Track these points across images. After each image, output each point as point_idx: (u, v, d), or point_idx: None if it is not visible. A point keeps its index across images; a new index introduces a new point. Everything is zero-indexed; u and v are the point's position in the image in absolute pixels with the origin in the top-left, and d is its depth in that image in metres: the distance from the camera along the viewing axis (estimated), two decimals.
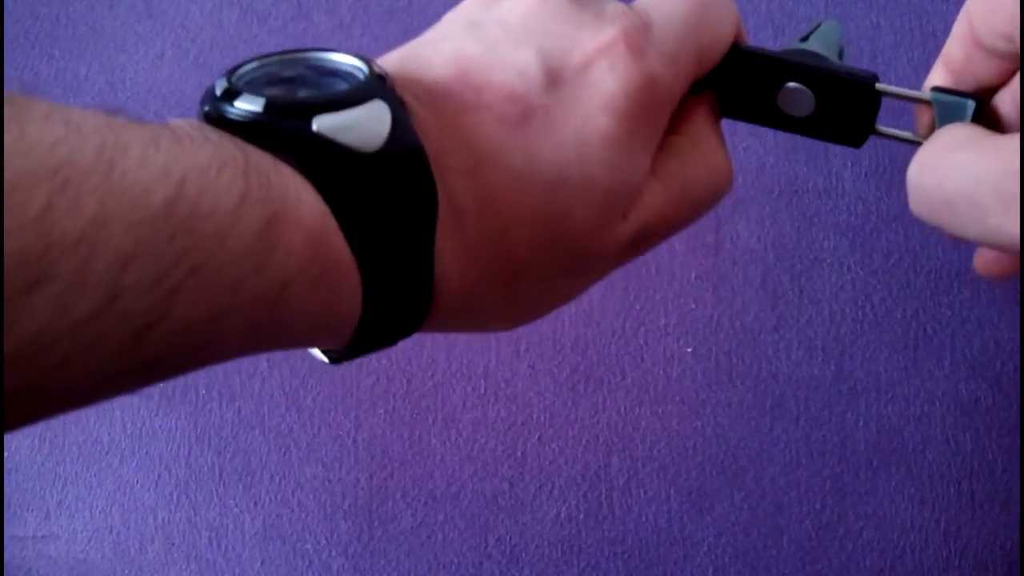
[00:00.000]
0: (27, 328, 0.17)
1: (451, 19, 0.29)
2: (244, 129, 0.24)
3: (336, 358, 0.28)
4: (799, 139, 0.45)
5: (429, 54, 0.28)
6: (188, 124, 0.24)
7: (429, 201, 0.24)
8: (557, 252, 0.26)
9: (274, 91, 0.25)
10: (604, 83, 0.27)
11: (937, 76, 0.31)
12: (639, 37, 0.28)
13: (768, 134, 0.61)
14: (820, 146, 0.60)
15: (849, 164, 0.61)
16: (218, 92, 0.25)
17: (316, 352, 0.28)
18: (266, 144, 0.24)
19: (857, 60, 0.63)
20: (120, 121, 0.21)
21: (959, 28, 0.30)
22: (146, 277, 0.19)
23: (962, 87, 0.29)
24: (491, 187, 0.26)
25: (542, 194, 0.26)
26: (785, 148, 0.61)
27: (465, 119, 0.26)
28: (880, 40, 0.63)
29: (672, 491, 0.56)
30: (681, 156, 0.29)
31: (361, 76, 0.25)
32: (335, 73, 0.26)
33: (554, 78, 0.27)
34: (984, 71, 0.30)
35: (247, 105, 0.24)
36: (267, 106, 0.24)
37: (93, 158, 0.19)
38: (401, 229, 0.24)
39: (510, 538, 0.57)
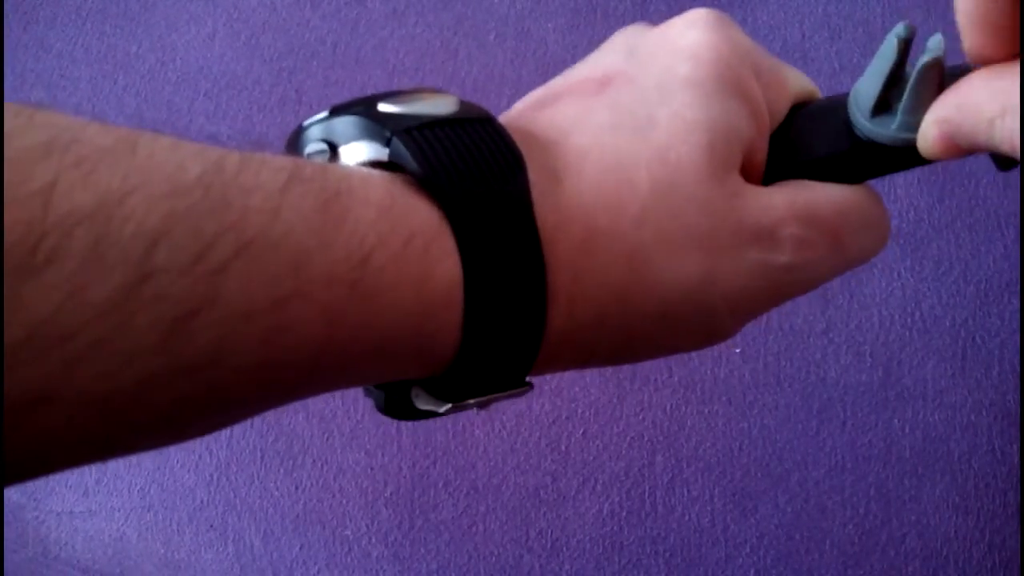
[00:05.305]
0: (35, 312, 0.16)
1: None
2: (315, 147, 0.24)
3: (452, 388, 0.24)
4: None
5: (516, 105, 0.28)
6: None
7: (512, 155, 0.23)
8: (671, 200, 0.24)
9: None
10: (684, 36, 0.26)
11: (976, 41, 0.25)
12: (722, 15, 0.28)
13: None
14: None
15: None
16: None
17: (435, 405, 0.24)
18: (339, 140, 0.23)
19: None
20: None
21: None
22: (182, 255, 0.17)
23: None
24: (580, 146, 0.24)
25: (635, 136, 0.25)
26: None
27: (543, 114, 0.26)
28: None
29: (716, 491, 0.56)
30: (805, 181, 0.28)
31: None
32: None
33: (633, 49, 0.27)
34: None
35: (315, 117, 0.24)
36: (332, 109, 0.24)
37: (114, 140, 0.18)
38: (488, 181, 0.22)
39: (551, 532, 0.57)
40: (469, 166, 0.22)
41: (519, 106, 0.27)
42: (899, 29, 0.25)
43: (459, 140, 0.22)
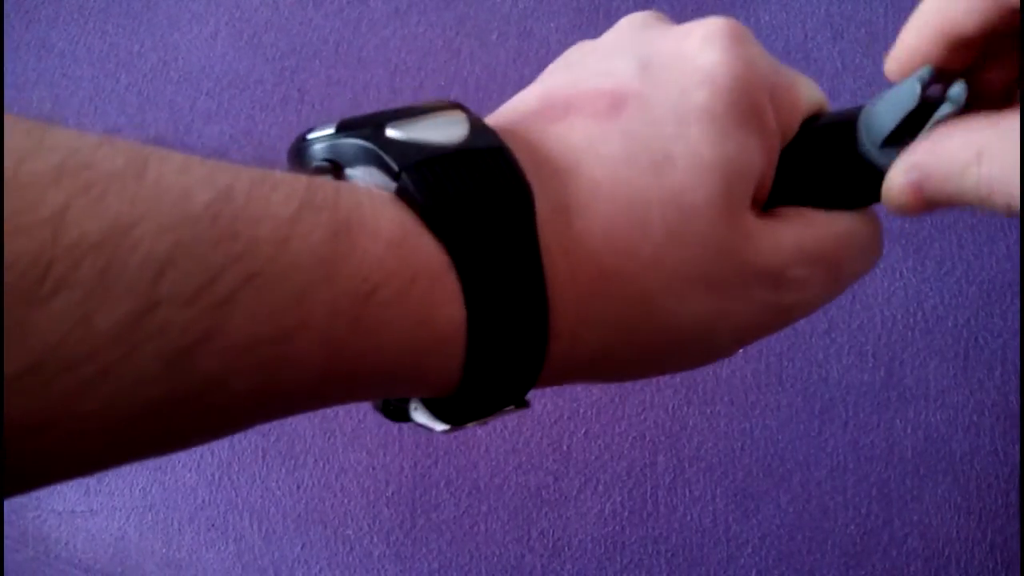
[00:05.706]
0: (43, 340, 0.16)
1: (549, 67, 0.29)
2: (322, 161, 0.23)
3: (451, 413, 0.24)
4: None
5: (516, 100, 0.27)
6: None
7: (522, 194, 0.22)
8: (685, 244, 0.24)
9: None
10: (701, 57, 0.25)
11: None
12: (740, 27, 0.27)
13: None
14: None
15: None
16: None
17: (432, 422, 0.25)
18: (345, 162, 0.23)
19: None
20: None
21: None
22: (188, 286, 0.17)
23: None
24: (593, 179, 0.24)
25: (649, 174, 0.24)
26: None
27: (553, 130, 0.25)
28: None
29: (718, 491, 0.56)
30: (810, 213, 0.28)
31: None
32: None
33: (647, 64, 0.26)
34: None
35: (321, 131, 0.24)
36: (339, 125, 0.23)
37: (124, 162, 0.18)
38: (495, 224, 0.22)
39: (553, 532, 0.57)
40: (478, 207, 0.22)
41: (521, 107, 0.27)
42: (923, 73, 0.25)
43: (469, 178, 0.22)
